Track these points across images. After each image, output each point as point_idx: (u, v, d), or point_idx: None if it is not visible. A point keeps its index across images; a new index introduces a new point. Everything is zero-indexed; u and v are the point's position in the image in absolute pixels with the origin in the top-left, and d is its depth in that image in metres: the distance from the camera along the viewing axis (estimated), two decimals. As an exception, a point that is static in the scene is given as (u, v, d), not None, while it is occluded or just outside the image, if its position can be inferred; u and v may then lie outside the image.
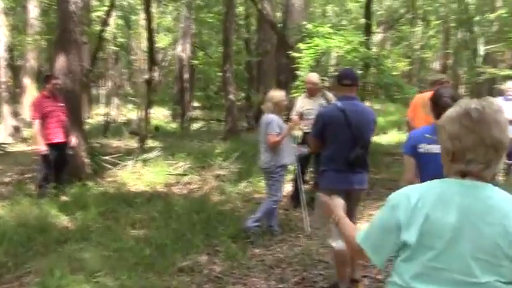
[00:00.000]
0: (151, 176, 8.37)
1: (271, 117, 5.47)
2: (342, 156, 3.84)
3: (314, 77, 6.77)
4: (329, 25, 8.30)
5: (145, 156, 9.19)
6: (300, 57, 7.92)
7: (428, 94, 6.27)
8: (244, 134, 15.06)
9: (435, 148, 3.24)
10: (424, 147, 3.27)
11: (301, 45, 8.00)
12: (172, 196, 7.34)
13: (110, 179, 8.29)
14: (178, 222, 5.94)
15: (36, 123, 6.96)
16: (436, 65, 37.87)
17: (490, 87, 17.95)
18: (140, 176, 8.48)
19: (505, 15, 12.11)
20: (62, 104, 7.21)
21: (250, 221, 5.62)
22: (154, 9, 16.83)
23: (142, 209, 6.55)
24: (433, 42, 28.99)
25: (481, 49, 24.20)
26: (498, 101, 7.15)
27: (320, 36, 7.89)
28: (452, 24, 23.06)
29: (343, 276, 3.96)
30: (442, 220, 1.56)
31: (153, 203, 6.87)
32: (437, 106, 3.29)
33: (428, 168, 3.32)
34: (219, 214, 6.30)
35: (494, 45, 12.69)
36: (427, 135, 3.24)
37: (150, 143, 11.77)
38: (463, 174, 1.61)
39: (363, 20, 23.45)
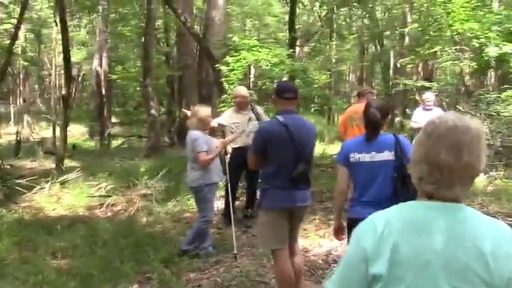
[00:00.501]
0: (71, 199, 7.81)
1: (195, 134, 5.25)
2: (285, 172, 3.68)
3: (243, 90, 6.62)
4: (255, 38, 8.20)
5: (63, 177, 8.57)
6: (227, 71, 7.75)
7: (357, 107, 6.53)
8: (168, 150, 14.68)
9: (365, 157, 3.29)
10: (354, 157, 3.32)
11: (228, 58, 7.84)
12: (96, 220, 6.87)
13: (24, 205, 7.63)
14: (105, 248, 5.53)
15: None
16: (352, 78, 39.45)
17: (404, 98, 18.83)
18: (59, 199, 7.89)
19: (418, 29, 12.67)
20: None
21: (184, 244, 5.37)
22: (67, 21, 16.00)
23: (63, 236, 6.04)
24: (348, 55, 30.14)
25: (392, 62, 25.63)
26: (417, 111, 7.39)
27: (246, 48, 7.79)
28: (366, 38, 24.04)
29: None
30: (412, 247, 1.41)
31: (75, 229, 6.38)
32: (366, 116, 3.39)
33: (359, 177, 3.35)
34: (148, 237, 5.95)
35: (406, 58, 13.21)
36: None
37: (67, 163, 11.07)
38: (429, 196, 1.48)
39: (281, 34, 24.18)
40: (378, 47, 24.45)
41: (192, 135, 5.26)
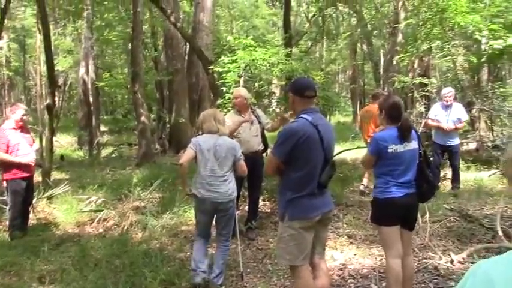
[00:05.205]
0: (59, 216, 7.28)
1: (234, 142, 4.76)
2: (315, 178, 3.30)
3: (243, 91, 6.16)
4: (251, 37, 7.73)
5: (50, 192, 8.04)
6: (224, 72, 7.27)
7: (370, 107, 7.92)
8: (160, 157, 14.19)
9: (399, 148, 3.71)
10: (392, 147, 3.67)
11: (224, 59, 7.36)
12: (87, 237, 6.34)
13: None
14: (97, 271, 5.02)
15: None
16: (341, 78, 39.19)
17: (400, 96, 18.47)
18: (46, 216, 7.36)
19: (416, 24, 12.27)
20: None
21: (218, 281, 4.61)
22: (51, 30, 15.41)
23: (51, 258, 5.52)
24: (338, 55, 29.89)
25: (382, 60, 25.37)
26: (435, 107, 7.18)
27: (242, 48, 7.32)
28: (356, 38, 23.75)
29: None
30: None
31: (64, 249, 5.87)
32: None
33: (395, 164, 3.73)
34: (145, 255, 5.44)
35: (404, 55, 12.79)
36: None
37: (55, 175, 10.54)
38: None
39: (269, 36, 23.80)
40: (367, 46, 24.22)
41: (230, 141, 4.68)
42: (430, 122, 8.14)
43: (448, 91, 7.89)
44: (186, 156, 4.47)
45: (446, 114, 7.84)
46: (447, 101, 7.78)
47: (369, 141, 7.66)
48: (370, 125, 7.80)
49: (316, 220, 3.34)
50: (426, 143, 7.68)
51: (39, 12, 10.29)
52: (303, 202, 3.31)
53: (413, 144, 3.75)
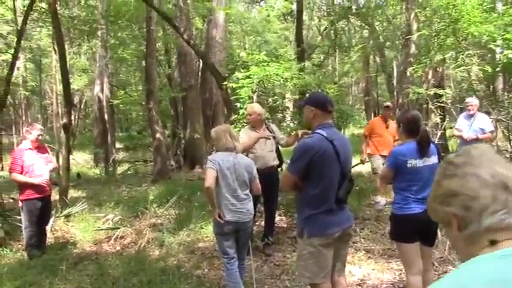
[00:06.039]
0: (76, 234, 7.31)
1: (250, 160, 4.68)
2: (333, 194, 3.27)
3: (257, 107, 6.15)
4: (263, 53, 7.77)
5: (68, 210, 8.09)
6: (237, 88, 7.28)
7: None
8: (175, 174, 14.24)
9: (418, 162, 3.74)
10: (411, 162, 3.69)
11: (238, 74, 7.38)
12: (104, 255, 6.35)
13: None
14: (115, 289, 5.03)
15: None
16: (355, 90, 39.16)
17: (415, 108, 18.36)
18: (64, 234, 7.40)
19: (429, 34, 12.21)
20: None
21: None
22: (67, 49, 15.65)
23: (69, 276, 5.54)
24: (352, 67, 29.90)
25: (395, 71, 25.33)
26: (460, 117, 7.05)
27: (255, 64, 7.35)
28: (368, 50, 23.75)
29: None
30: None
31: (82, 267, 5.88)
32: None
33: (413, 179, 3.75)
34: (162, 272, 5.44)
35: (417, 66, 12.73)
36: None
37: (72, 193, 10.61)
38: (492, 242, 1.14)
39: (281, 50, 23.92)
40: (380, 57, 24.23)
41: (247, 159, 4.63)
42: (455, 132, 8.10)
43: (470, 100, 7.82)
44: (209, 178, 4.24)
45: (468, 124, 7.73)
46: (469, 110, 7.69)
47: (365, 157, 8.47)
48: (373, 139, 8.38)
49: (336, 237, 3.31)
50: (442, 154, 7.59)
51: (55, 32, 10.46)
52: (321, 219, 3.28)
53: (433, 159, 3.75)
